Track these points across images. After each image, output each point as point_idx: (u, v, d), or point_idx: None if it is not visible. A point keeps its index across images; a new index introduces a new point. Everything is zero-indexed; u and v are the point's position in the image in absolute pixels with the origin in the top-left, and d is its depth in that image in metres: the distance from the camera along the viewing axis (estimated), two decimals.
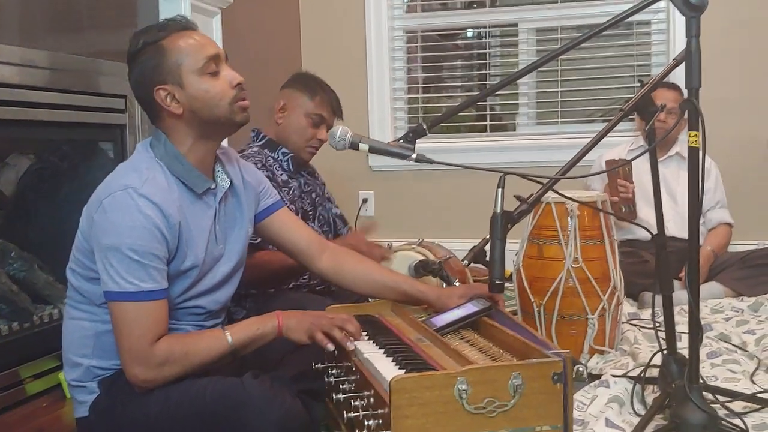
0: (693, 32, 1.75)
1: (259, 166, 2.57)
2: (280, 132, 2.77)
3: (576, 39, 1.94)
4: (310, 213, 2.85)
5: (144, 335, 1.69)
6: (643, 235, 3.11)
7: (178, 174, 1.82)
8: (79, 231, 1.80)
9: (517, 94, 4.53)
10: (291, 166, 2.76)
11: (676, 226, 3.45)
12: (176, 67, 1.79)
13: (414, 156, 1.88)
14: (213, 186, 1.89)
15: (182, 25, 1.84)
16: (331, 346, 1.80)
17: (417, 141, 1.93)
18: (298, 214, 2.68)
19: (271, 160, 2.72)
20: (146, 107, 1.86)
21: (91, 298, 1.81)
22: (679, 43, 4.01)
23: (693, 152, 1.76)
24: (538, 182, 1.87)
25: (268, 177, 2.54)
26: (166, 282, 1.75)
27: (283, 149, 2.75)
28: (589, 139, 1.91)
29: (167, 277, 1.77)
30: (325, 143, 2.58)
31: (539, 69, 4.29)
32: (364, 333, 1.91)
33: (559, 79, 4.41)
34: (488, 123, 4.58)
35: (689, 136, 1.75)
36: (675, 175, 3.64)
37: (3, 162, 2.84)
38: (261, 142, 2.75)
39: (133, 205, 1.69)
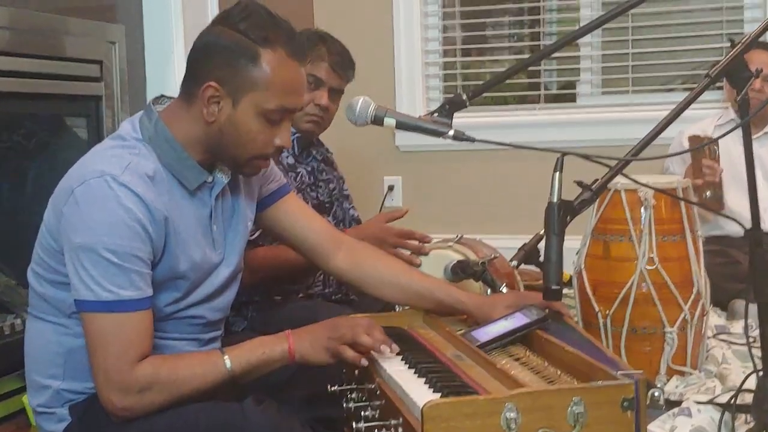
0: None
1: None
2: None
3: None
4: (327, 205, 2.87)
5: (123, 354, 1.70)
6: (734, 230, 3.09)
7: (168, 162, 1.81)
8: (44, 226, 1.81)
9: (579, 57, 4.51)
10: (297, 148, 2.76)
11: None
12: (249, 86, 1.77)
13: (451, 133, 1.89)
14: (209, 179, 1.88)
15: (293, 50, 1.80)
16: (365, 362, 1.80)
17: (455, 115, 1.93)
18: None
19: None
20: (188, 77, 1.83)
21: (58, 306, 1.82)
22: None
23: None
24: (605, 165, 1.86)
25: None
26: (151, 289, 1.75)
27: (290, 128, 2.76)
28: (667, 113, 1.90)
29: (157, 284, 1.77)
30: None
31: (605, 26, 4.27)
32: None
33: (629, 38, 4.38)
34: (542, 92, 4.56)
35: None
36: None
37: None
38: None
39: (112, 196, 1.69)
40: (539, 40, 4.66)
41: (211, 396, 1.79)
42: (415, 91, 4.56)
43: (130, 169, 1.73)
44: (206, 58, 1.80)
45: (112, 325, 1.70)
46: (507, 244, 3.24)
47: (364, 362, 1.80)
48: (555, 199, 1.74)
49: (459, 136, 1.89)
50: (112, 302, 1.69)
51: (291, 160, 2.74)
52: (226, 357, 1.77)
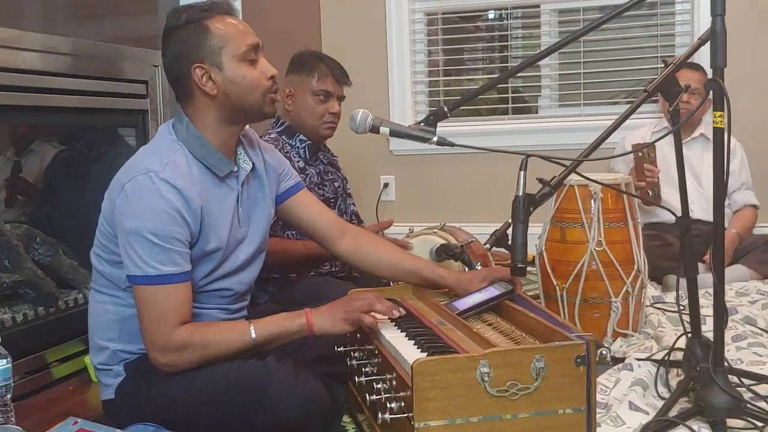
0: (718, 10, 1.73)
1: None
2: (293, 118, 2.76)
3: (599, 19, 1.92)
4: (332, 201, 2.86)
5: (164, 318, 1.71)
6: (667, 217, 3.09)
7: (201, 157, 1.83)
8: (102, 215, 1.82)
9: (540, 76, 4.50)
10: (308, 154, 2.76)
11: (701, 209, 3.42)
12: (218, 48, 1.80)
13: (435, 139, 1.88)
14: (235, 169, 1.90)
15: (225, 9, 1.86)
16: (380, 323, 1.81)
17: (438, 124, 1.92)
18: None
19: (288, 147, 2.72)
20: (177, 84, 1.86)
21: (115, 282, 1.83)
22: (704, 23, 3.96)
23: (718, 133, 1.74)
24: (561, 164, 1.86)
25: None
26: (189, 265, 1.76)
27: (301, 136, 2.75)
28: (612, 121, 1.90)
29: (191, 260, 1.78)
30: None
31: (561, 50, 4.27)
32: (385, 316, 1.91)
33: (581, 60, 4.37)
34: (510, 105, 4.55)
35: (714, 117, 1.73)
36: (699, 157, 3.61)
37: (27, 149, 2.87)
38: (279, 129, 2.76)
39: (154, 189, 1.70)
40: (507, 63, 4.64)
41: (239, 357, 1.79)
42: (406, 104, 4.54)
43: (169, 166, 1.75)
44: (179, 58, 1.83)
45: (155, 295, 1.72)
46: (482, 231, 3.23)
47: (380, 323, 1.81)
48: (520, 193, 1.73)
49: (442, 142, 1.88)
50: (155, 276, 1.71)
51: (301, 164, 2.73)
52: (251, 327, 1.77)
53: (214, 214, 1.82)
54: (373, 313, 1.79)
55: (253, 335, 1.76)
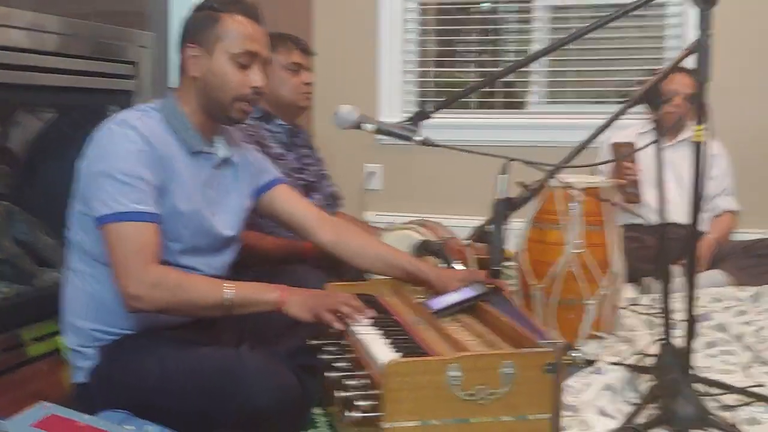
0: (705, 26, 1.74)
1: (252, 141, 2.51)
2: (269, 99, 2.73)
3: (597, 21, 1.94)
4: (315, 184, 2.85)
5: (139, 252, 1.72)
6: (647, 219, 3.11)
7: (176, 128, 1.88)
8: (77, 181, 1.84)
9: (529, 71, 4.49)
10: (286, 138, 2.76)
11: (682, 212, 3.41)
12: (215, 39, 1.87)
13: (417, 138, 1.90)
14: (207, 149, 1.93)
15: (248, 11, 1.91)
16: (339, 325, 1.81)
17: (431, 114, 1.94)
18: (296, 187, 2.68)
19: (267, 133, 2.70)
20: (179, 51, 1.94)
21: (86, 250, 1.84)
22: (695, 24, 3.96)
23: (697, 147, 1.76)
24: (542, 170, 1.87)
25: (259, 151, 2.54)
26: (158, 209, 1.78)
27: (279, 121, 2.74)
28: (602, 120, 1.91)
29: (163, 220, 1.80)
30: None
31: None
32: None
33: (572, 58, 4.36)
34: (498, 99, 4.54)
35: (695, 131, 1.74)
36: (685, 160, 3.61)
37: (11, 120, 2.84)
38: (257, 115, 2.74)
39: (124, 134, 1.77)
40: (499, 56, 4.63)
41: (214, 342, 1.82)
42: (395, 95, 4.48)
43: (140, 119, 1.82)
44: (186, 31, 1.93)
45: (127, 231, 1.73)
46: (467, 224, 3.26)
47: (339, 325, 1.81)
48: (500, 197, 1.75)
49: (426, 142, 1.91)
50: (126, 213, 1.73)
51: (279, 150, 2.71)
52: (227, 285, 1.78)
53: (182, 175, 1.85)
54: (332, 315, 1.81)
55: (228, 294, 1.77)
